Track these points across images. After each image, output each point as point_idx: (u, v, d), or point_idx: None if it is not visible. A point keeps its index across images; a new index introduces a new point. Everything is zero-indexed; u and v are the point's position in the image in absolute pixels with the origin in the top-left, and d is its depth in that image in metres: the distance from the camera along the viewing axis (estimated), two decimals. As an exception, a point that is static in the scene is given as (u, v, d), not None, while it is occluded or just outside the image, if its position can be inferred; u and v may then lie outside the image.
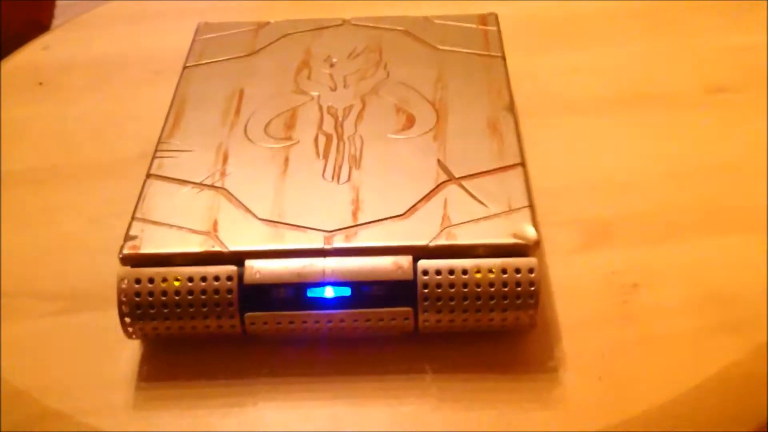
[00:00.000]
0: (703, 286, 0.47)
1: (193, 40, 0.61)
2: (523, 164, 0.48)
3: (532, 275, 0.42)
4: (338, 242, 0.43)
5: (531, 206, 0.45)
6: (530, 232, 0.43)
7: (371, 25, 0.61)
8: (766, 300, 0.46)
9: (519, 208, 0.45)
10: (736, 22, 0.71)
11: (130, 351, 0.45)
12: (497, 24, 0.61)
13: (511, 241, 0.43)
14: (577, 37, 0.70)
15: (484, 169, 0.47)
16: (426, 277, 0.42)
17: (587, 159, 0.57)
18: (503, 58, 0.57)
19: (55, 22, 1.07)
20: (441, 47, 0.58)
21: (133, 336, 0.43)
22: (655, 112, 0.61)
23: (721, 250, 0.50)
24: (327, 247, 0.43)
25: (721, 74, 0.64)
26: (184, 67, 0.58)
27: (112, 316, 0.43)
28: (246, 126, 0.52)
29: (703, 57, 0.66)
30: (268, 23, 0.62)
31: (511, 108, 0.52)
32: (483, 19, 0.61)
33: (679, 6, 0.73)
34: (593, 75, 0.65)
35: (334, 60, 0.58)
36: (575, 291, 0.47)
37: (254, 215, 0.45)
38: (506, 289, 0.42)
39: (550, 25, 0.72)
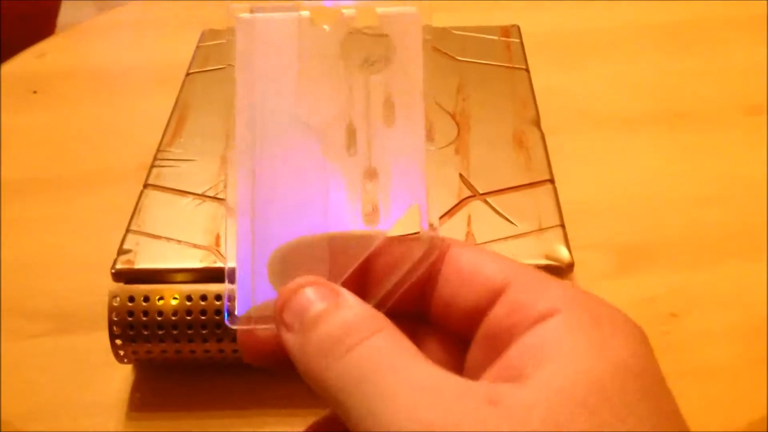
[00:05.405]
0: (748, 315, 0.44)
1: (197, 47, 0.57)
2: (552, 181, 0.44)
3: (566, 300, 0.38)
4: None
5: (563, 225, 0.41)
6: (564, 254, 0.39)
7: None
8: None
9: (550, 227, 0.41)
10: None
11: (121, 376, 0.41)
12: (520, 36, 0.57)
13: (544, 262, 0.39)
14: (603, 52, 0.67)
15: (511, 185, 0.44)
16: (449, 300, 0.38)
17: (617, 178, 0.53)
18: (527, 70, 0.54)
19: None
20: (460, 58, 0.55)
21: (125, 360, 0.39)
22: (688, 131, 0.57)
23: (763, 275, 0.46)
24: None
25: (757, 93, 0.61)
26: (187, 74, 0.54)
27: (102, 338, 0.38)
28: (253, 135, 0.48)
29: (738, 75, 0.63)
30: (276, 30, 0.58)
31: (537, 121, 0.49)
32: (505, 31, 0.58)
33: (712, 22, 0.69)
34: (621, 91, 0.62)
35: (348, 69, 0.54)
36: (610, 320, 0.43)
37: (260, 230, 0.41)
38: (537, 315, 0.38)
39: (573, 40, 0.68)
